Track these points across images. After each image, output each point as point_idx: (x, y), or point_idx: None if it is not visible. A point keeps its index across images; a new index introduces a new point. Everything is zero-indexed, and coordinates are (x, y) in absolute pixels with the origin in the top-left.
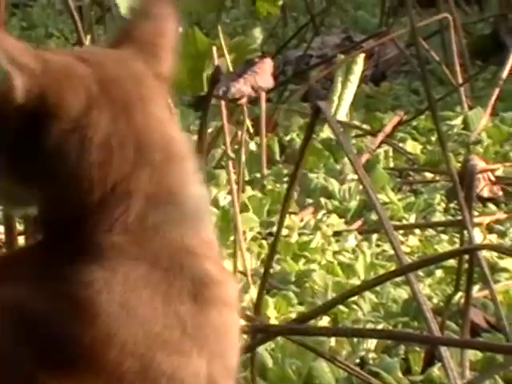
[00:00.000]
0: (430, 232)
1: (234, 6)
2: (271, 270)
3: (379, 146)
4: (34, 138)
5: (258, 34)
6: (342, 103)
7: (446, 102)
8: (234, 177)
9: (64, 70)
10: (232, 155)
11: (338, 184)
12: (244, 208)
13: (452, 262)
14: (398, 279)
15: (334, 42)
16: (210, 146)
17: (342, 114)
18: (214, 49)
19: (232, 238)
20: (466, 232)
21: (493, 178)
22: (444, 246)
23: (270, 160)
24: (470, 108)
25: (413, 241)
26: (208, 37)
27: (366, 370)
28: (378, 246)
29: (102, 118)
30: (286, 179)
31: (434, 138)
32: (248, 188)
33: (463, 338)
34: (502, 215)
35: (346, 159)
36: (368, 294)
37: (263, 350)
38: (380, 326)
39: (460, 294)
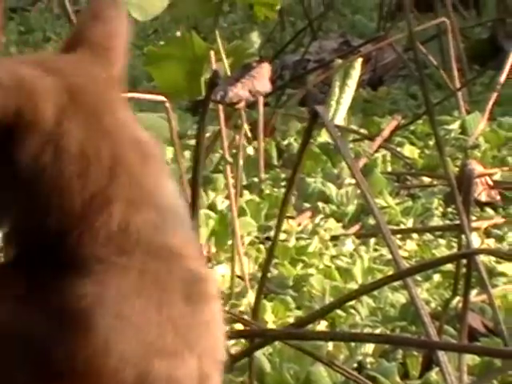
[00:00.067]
0: (428, 236)
1: (232, 11)
2: (269, 275)
3: (377, 151)
4: (9, 154)
5: (255, 38)
6: (340, 108)
7: (444, 106)
8: (231, 181)
9: (35, 84)
10: (230, 159)
11: (335, 188)
12: (242, 212)
13: (450, 267)
14: (395, 283)
15: (332, 46)
16: (208, 150)
17: (340, 119)
18: (212, 53)
19: (230, 242)
20: (463, 236)
21: (490, 183)
22: (442, 251)
23: (267, 164)
24: (468, 112)
25: (410, 245)
26: (206, 41)
27: (364, 375)
28: (375, 250)
29: (74, 127)
30: (283, 183)
31: (431, 143)
32: (246, 192)
33: (461, 343)
34: (499, 220)
35: (343, 163)
36: (366, 299)
37: (261, 355)
38: (378, 331)
39: (458, 298)
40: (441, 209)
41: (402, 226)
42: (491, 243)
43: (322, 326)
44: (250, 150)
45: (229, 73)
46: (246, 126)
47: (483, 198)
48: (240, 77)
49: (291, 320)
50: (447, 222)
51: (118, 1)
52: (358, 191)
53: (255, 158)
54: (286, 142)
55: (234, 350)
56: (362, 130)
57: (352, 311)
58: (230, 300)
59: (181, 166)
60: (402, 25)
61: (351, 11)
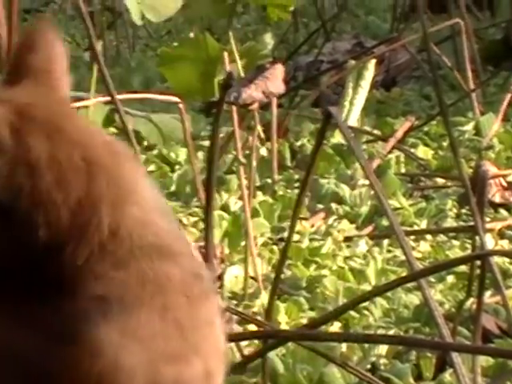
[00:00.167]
0: (442, 238)
1: (245, 12)
2: (282, 276)
3: (390, 152)
4: None
5: (268, 39)
6: (353, 109)
7: (458, 107)
8: (244, 182)
9: None
10: (243, 161)
11: (348, 189)
12: (255, 213)
13: (463, 268)
14: (409, 285)
15: (345, 47)
16: (221, 151)
17: (353, 120)
18: (225, 54)
19: (243, 243)
20: (477, 238)
21: (505, 184)
22: (455, 252)
23: (280, 165)
24: (482, 113)
25: (424, 246)
26: (219, 42)
27: (377, 376)
28: (389, 251)
29: (36, 142)
30: (296, 185)
31: (445, 144)
32: (259, 193)
33: (475, 344)
34: None
35: (356, 165)
36: (379, 300)
37: (274, 356)
38: (391, 332)
39: (472, 299)
40: (455, 210)
41: (416, 228)
42: (505, 244)
43: (335, 327)
44: (264, 151)
45: (242, 74)
46: (259, 127)
47: (497, 199)
48: (253, 78)
49: (304, 321)
50: (461, 223)
51: (50, 26)
52: (372, 192)
53: (268, 159)
54: (299, 143)
55: (247, 351)
56: (376, 131)
57: (365, 312)
58: (243, 301)
59: (194, 167)
60: (415, 26)
61: (365, 12)
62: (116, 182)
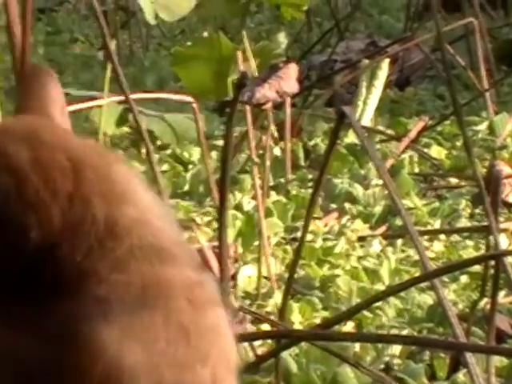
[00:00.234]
0: (455, 237)
1: (259, 11)
2: (295, 275)
3: (404, 152)
4: None
5: (282, 38)
6: (367, 108)
7: (472, 107)
8: (258, 182)
9: None
10: (256, 160)
11: (362, 189)
12: (268, 213)
13: (477, 268)
14: (422, 285)
15: (359, 46)
16: (235, 151)
17: (367, 119)
18: (239, 53)
19: (256, 242)
20: (491, 237)
21: None
22: (469, 252)
23: (294, 165)
24: (496, 113)
25: (438, 246)
26: (233, 41)
27: (391, 376)
28: (402, 251)
29: (16, 148)
30: (310, 184)
31: (459, 144)
32: (272, 193)
33: (489, 344)
34: None
35: (370, 164)
36: (392, 300)
37: (287, 356)
38: (405, 332)
39: (485, 299)
40: (468, 210)
41: (429, 227)
42: None
43: (348, 326)
44: (277, 151)
45: (256, 73)
46: (272, 127)
47: (511, 199)
48: (267, 77)
49: (318, 321)
50: (475, 223)
51: (45, 68)
52: (385, 192)
53: (282, 159)
54: (312, 143)
55: (260, 351)
56: (389, 131)
57: (379, 312)
58: (257, 300)
59: (208, 167)
60: (429, 25)
61: (378, 12)
62: (106, 179)
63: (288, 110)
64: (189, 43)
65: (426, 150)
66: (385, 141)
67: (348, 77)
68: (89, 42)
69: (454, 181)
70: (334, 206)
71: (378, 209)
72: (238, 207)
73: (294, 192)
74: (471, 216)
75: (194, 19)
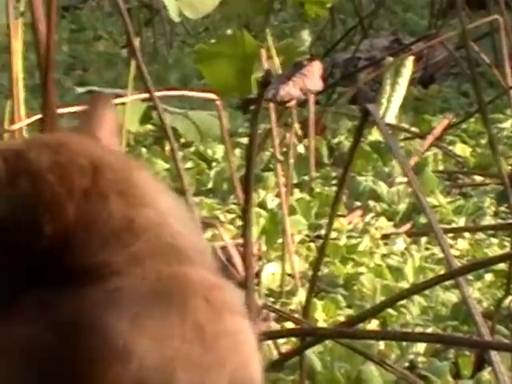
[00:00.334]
0: (480, 235)
1: (283, 9)
2: (319, 273)
3: (428, 149)
4: None
5: (306, 36)
6: (391, 106)
7: (496, 104)
8: (282, 179)
9: None
10: (280, 158)
11: (386, 187)
12: (292, 211)
13: (502, 266)
14: (447, 283)
15: (383, 44)
16: (259, 148)
17: (391, 117)
18: (263, 51)
19: (280, 240)
20: None
21: None
22: (494, 250)
23: (318, 163)
24: None
25: (462, 244)
26: (256, 39)
27: (416, 374)
28: (427, 249)
29: (40, 153)
30: (334, 182)
31: (483, 141)
32: (296, 191)
33: None
34: None
35: (394, 162)
36: (417, 298)
37: (312, 354)
38: (429, 330)
39: (510, 297)
40: (493, 208)
41: (454, 225)
42: None
43: (373, 324)
44: (301, 149)
45: (279, 71)
46: (296, 125)
47: None
48: (291, 75)
49: (342, 319)
50: (499, 220)
51: (106, 96)
52: (410, 190)
53: (306, 157)
54: (336, 141)
55: (284, 349)
56: (413, 129)
57: (403, 310)
58: (281, 298)
59: (231, 165)
60: (453, 22)
61: (402, 9)
62: (126, 181)
63: (312, 107)
64: (213, 41)
65: (450, 148)
66: (409, 138)
67: (372, 74)
68: (113, 40)
69: (478, 178)
70: (358, 203)
71: (402, 206)
72: (262, 205)
73: (317, 190)
74: (496, 214)
75: (218, 17)
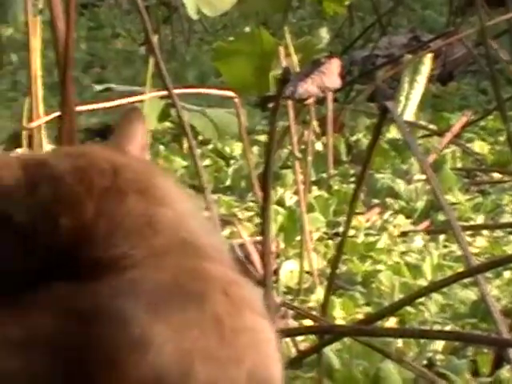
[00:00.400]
0: (498, 233)
1: (301, 6)
2: (337, 271)
3: (446, 147)
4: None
5: (324, 34)
6: (409, 103)
7: None
8: (300, 177)
9: None
10: (298, 155)
11: (404, 184)
12: (310, 208)
13: None
14: (465, 280)
15: (401, 41)
16: (277, 146)
17: (409, 114)
18: (281, 49)
19: (298, 238)
20: None
21: None
22: None
23: (336, 160)
24: None
25: (481, 242)
26: (274, 37)
27: (434, 372)
28: (445, 246)
29: (61, 161)
30: (352, 179)
31: (502, 139)
32: (314, 188)
33: None
34: None
35: (412, 159)
36: (435, 295)
37: (330, 351)
38: (447, 328)
39: None
40: (511, 205)
41: (472, 223)
42: None
43: (391, 322)
44: (319, 146)
45: (297, 69)
46: (314, 122)
47: None
48: (310, 72)
49: (360, 316)
50: None
51: (138, 110)
52: (428, 187)
53: (324, 154)
54: (354, 138)
55: (302, 346)
56: (432, 126)
57: (421, 308)
58: (299, 296)
59: (249, 162)
60: (472, 20)
61: (421, 6)
62: (146, 182)
63: (330, 105)
64: (231, 38)
65: (468, 145)
66: (427, 136)
67: (390, 72)
68: (131, 38)
69: (497, 176)
70: (376, 201)
71: (420, 204)
72: (280, 202)
73: (335, 187)
74: None
75: (236, 14)
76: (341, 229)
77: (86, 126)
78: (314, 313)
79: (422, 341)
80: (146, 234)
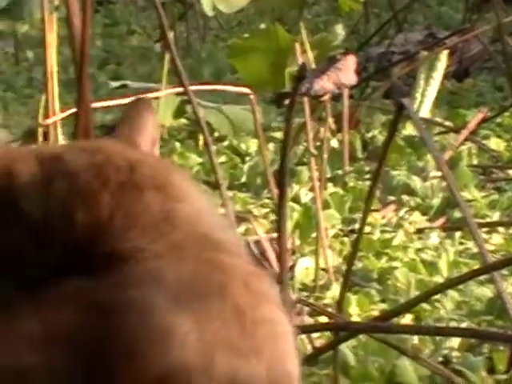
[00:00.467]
0: None
1: (316, 3)
2: (353, 267)
3: (462, 143)
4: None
5: (339, 30)
6: (425, 100)
7: None
8: (315, 174)
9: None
10: (314, 152)
11: (420, 181)
12: (326, 205)
13: None
14: (481, 277)
15: (417, 38)
16: (292, 142)
17: (425, 111)
18: (297, 45)
19: (314, 234)
20: None
21: None
22: None
23: (351, 157)
24: None
25: (496, 239)
26: (290, 33)
27: (450, 369)
28: (461, 243)
29: (78, 156)
30: (367, 176)
31: None
32: (330, 185)
33: None
34: None
35: (428, 156)
36: (451, 292)
37: (345, 348)
38: (463, 325)
39: None
40: None
41: (488, 220)
42: None
43: (406, 319)
44: (335, 143)
45: (313, 65)
46: (330, 119)
47: None
48: (325, 69)
49: (376, 313)
50: None
51: (147, 101)
52: (444, 184)
53: (339, 151)
54: (370, 135)
55: (318, 343)
56: (448, 123)
57: (437, 305)
58: (314, 292)
59: (265, 159)
60: (488, 16)
61: (437, 3)
62: (163, 178)
63: (346, 101)
64: (246, 35)
65: (484, 142)
66: (443, 133)
67: (406, 69)
68: (146, 34)
69: None
70: (391, 198)
71: (436, 201)
72: (296, 199)
73: (351, 184)
74: None
75: (252, 11)
76: (356, 226)
77: (101, 122)
78: (330, 310)
79: (438, 338)
80: (163, 230)
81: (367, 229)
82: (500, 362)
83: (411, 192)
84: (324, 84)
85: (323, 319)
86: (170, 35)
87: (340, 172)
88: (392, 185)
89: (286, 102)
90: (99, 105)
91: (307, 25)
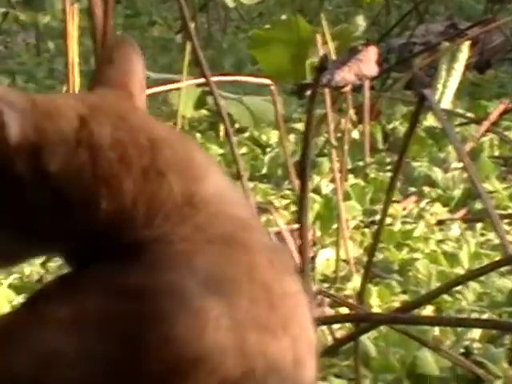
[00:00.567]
0: None
1: None
2: (374, 259)
3: (484, 135)
4: (39, 179)
5: (360, 21)
6: (446, 91)
7: None
8: (336, 165)
9: (50, 102)
10: (335, 143)
11: (441, 172)
12: (347, 196)
13: None
14: (502, 269)
15: (438, 29)
16: (313, 133)
17: (446, 102)
18: (318, 36)
19: (335, 226)
20: None
21: None
22: None
23: (372, 148)
24: None
25: None
26: (311, 24)
27: (471, 360)
28: (482, 235)
29: (102, 127)
30: (388, 167)
31: None
32: (351, 176)
33: None
34: None
35: (449, 147)
36: (472, 284)
37: (366, 339)
38: (485, 316)
39: None
40: None
41: (510, 211)
42: None
43: (427, 310)
44: (356, 134)
45: (334, 56)
46: (351, 110)
47: None
48: (347, 60)
49: (397, 304)
50: None
51: (129, 39)
52: (465, 175)
53: (360, 142)
54: (391, 126)
55: (339, 334)
56: (469, 114)
57: (458, 296)
58: (335, 284)
59: (286, 150)
60: (510, 7)
61: None
62: (185, 160)
63: (367, 92)
64: (267, 26)
65: (506, 133)
66: (464, 124)
67: (427, 60)
68: (167, 25)
69: None
70: (412, 189)
71: (457, 192)
72: (317, 190)
73: (372, 175)
74: None
75: (272, 2)
76: (377, 217)
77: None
78: (351, 301)
79: (459, 329)
80: (187, 213)
81: (388, 220)
82: None
83: (432, 183)
84: (345, 75)
85: (344, 310)
86: (191, 26)
87: (361, 163)
88: (413, 176)
89: (307, 93)
90: None
91: (328, 16)
